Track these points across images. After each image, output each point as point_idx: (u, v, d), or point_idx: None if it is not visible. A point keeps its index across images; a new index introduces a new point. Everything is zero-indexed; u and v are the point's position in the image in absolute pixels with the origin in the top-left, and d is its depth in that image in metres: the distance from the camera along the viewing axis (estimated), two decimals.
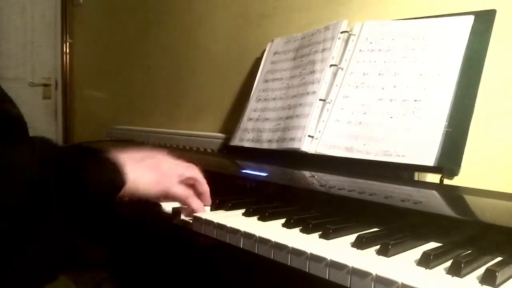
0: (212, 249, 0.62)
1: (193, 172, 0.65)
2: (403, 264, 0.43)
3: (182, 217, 0.63)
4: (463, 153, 0.71)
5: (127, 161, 0.56)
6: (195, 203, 0.63)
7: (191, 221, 0.61)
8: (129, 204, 0.59)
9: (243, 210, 0.62)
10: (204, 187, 0.66)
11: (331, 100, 0.90)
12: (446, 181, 0.72)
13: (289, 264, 0.47)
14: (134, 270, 0.85)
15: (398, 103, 0.80)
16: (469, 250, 0.47)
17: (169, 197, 0.62)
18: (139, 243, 0.83)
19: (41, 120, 2.42)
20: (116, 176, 0.54)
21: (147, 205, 0.66)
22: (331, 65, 0.94)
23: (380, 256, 0.45)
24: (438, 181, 0.72)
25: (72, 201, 0.47)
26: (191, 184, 0.65)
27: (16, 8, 2.41)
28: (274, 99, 1.04)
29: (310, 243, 0.49)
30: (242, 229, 0.54)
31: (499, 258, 0.46)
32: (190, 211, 0.63)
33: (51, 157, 0.48)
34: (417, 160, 0.73)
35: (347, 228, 0.54)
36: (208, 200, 0.66)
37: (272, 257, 0.49)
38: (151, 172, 0.60)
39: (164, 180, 0.60)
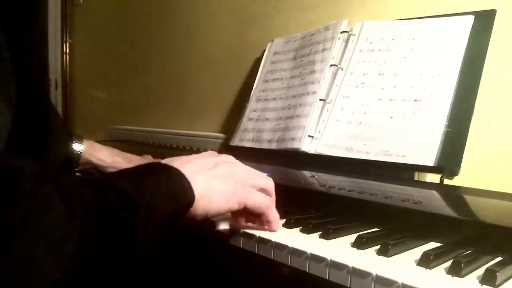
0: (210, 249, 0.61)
1: (270, 183, 0.55)
2: (403, 264, 0.43)
3: None
4: (463, 153, 0.71)
5: (194, 170, 0.47)
6: (274, 215, 0.53)
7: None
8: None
9: None
10: (274, 201, 0.55)
11: (331, 100, 0.90)
12: (446, 181, 0.72)
13: (289, 264, 0.47)
14: None
15: (398, 103, 0.81)
16: (469, 250, 0.47)
17: (246, 209, 0.52)
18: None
19: None
20: (183, 190, 0.44)
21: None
22: (331, 65, 0.94)
23: (380, 256, 0.45)
24: (438, 181, 0.72)
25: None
26: None
27: None
28: (274, 99, 1.04)
29: (310, 243, 0.49)
30: (242, 229, 0.54)
31: (499, 258, 0.46)
32: (263, 226, 0.53)
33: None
34: (417, 160, 0.73)
35: (347, 228, 0.54)
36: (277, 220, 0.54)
37: (272, 257, 0.49)
38: (225, 182, 0.50)
39: (240, 190, 0.51)
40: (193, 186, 0.46)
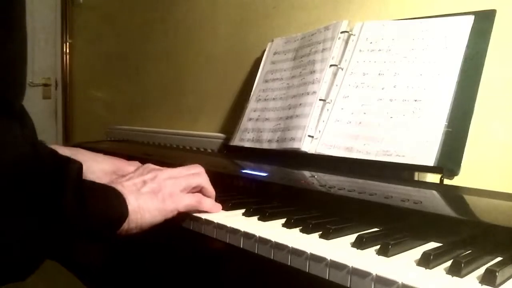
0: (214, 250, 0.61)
1: (198, 179, 0.63)
2: (403, 264, 0.43)
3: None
4: (463, 153, 0.71)
5: (127, 189, 0.54)
6: (207, 204, 0.61)
7: (190, 221, 0.61)
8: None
9: (243, 210, 0.62)
10: (210, 192, 0.64)
11: (331, 100, 0.90)
12: (446, 181, 0.72)
13: (289, 264, 0.47)
14: (131, 272, 0.85)
15: (398, 103, 0.81)
16: (469, 250, 0.47)
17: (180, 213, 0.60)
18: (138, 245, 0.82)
19: (41, 120, 2.42)
20: (117, 208, 0.52)
21: None
22: (331, 65, 0.94)
23: (380, 256, 0.45)
24: (438, 181, 0.72)
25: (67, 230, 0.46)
26: (198, 190, 0.63)
27: None
28: (274, 99, 1.04)
29: (310, 243, 0.49)
30: (242, 229, 0.54)
31: (499, 258, 0.45)
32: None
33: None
34: (417, 160, 0.73)
35: (347, 228, 0.54)
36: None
37: (272, 257, 0.49)
38: (153, 198, 0.57)
39: (170, 201, 0.58)
40: (127, 203, 0.53)
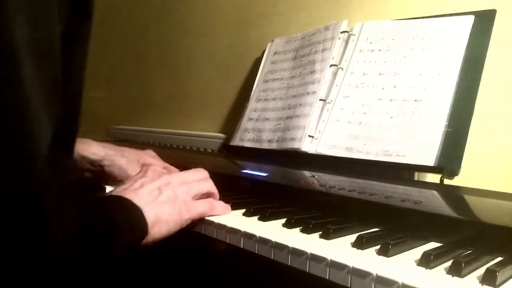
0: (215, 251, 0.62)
1: (208, 185, 0.63)
2: (403, 264, 0.43)
3: None
4: (463, 153, 0.71)
5: (143, 200, 0.53)
6: (219, 209, 0.61)
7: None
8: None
9: (243, 210, 0.62)
10: (217, 196, 0.64)
11: (331, 100, 0.90)
12: (446, 181, 0.72)
13: (289, 264, 0.47)
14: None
15: (398, 103, 0.81)
16: (469, 250, 0.47)
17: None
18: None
19: None
20: (138, 224, 0.51)
21: None
22: (331, 65, 0.94)
23: (380, 256, 0.45)
24: (438, 181, 0.72)
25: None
26: (207, 196, 0.63)
27: None
28: (274, 99, 1.04)
29: (310, 243, 0.49)
30: (242, 229, 0.54)
31: (500, 258, 0.46)
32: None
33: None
34: (417, 160, 0.73)
35: (347, 228, 0.54)
36: None
37: (272, 257, 0.49)
38: (171, 207, 0.56)
39: (185, 211, 0.58)
40: (145, 218, 0.52)
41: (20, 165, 0.38)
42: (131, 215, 0.51)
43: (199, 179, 0.63)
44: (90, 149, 0.79)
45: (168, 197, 0.57)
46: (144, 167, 0.64)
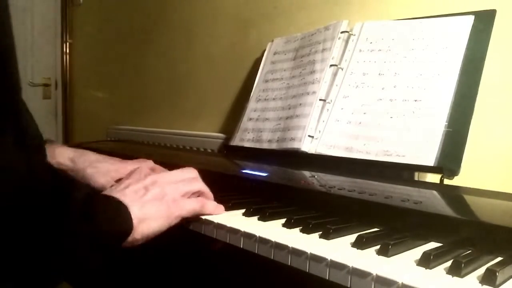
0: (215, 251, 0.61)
1: (199, 184, 0.63)
2: (403, 264, 0.43)
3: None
4: (463, 153, 0.71)
5: (129, 198, 0.53)
6: (211, 207, 0.61)
7: (190, 221, 0.61)
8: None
9: (243, 210, 0.62)
10: (210, 195, 0.64)
11: (331, 100, 0.90)
12: (446, 181, 0.72)
13: (289, 264, 0.47)
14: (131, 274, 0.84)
15: (398, 103, 0.81)
16: (469, 250, 0.47)
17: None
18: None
19: (41, 120, 2.40)
20: (121, 225, 0.51)
21: None
22: (331, 65, 0.94)
23: (380, 256, 0.45)
24: (438, 181, 0.72)
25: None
26: (197, 195, 0.63)
27: (16, 8, 2.41)
28: (274, 99, 1.04)
29: (310, 243, 0.49)
30: (242, 229, 0.54)
31: (499, 258, 0.45)
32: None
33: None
34: (417, 160, 0.73)
35: (347, 228, 0.54)
36: None
37: (272, 257, 0.49)
38: (158, 205, 0.56)
39: (174, 207, 0.57)
40: (131, 214, 0.52)
41: None
42: (114, 208, 0.52)
43: (189, 178, 0.62)
44: (57, 158, 0.75)
45: (154, 195, 0.56)
46: (131, 171, 0.63)
